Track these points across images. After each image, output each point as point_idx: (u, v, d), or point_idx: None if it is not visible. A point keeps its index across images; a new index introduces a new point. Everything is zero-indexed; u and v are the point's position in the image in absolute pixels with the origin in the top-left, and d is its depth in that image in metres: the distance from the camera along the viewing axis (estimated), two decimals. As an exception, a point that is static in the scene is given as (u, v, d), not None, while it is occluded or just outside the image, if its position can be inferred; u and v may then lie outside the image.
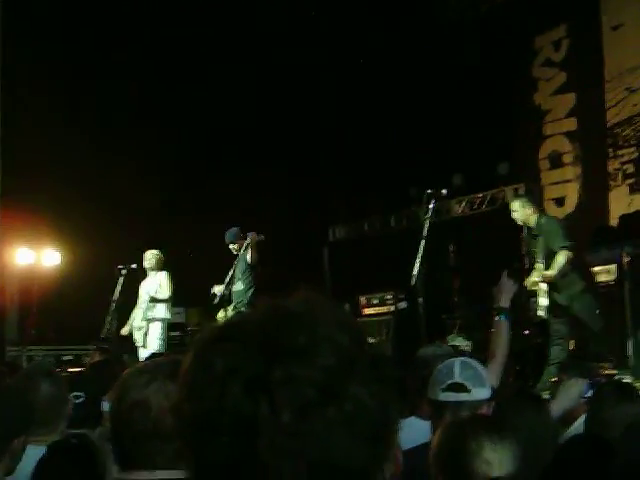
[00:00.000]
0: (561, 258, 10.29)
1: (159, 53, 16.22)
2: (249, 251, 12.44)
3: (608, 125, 15.15)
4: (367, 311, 14.99)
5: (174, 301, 13.20)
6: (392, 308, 14.55)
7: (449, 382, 3.83)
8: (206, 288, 12.84)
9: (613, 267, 11.24)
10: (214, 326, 1.37)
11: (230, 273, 12.30)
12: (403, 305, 14.21)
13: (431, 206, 9.96)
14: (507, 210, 11.15)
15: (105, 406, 5.00)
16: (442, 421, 3.68)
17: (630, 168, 14.80)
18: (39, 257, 16.02)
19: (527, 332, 11.52)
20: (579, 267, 10.70)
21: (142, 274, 13.35)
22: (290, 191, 16.71)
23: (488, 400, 3.86)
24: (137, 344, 12.95)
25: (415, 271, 9.47)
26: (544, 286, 10.34)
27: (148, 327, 12.88)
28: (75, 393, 5.08)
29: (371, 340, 13.35)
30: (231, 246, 12.63)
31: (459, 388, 3.81)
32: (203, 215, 15.74)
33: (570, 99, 15.95)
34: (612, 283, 11.24)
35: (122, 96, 16.00)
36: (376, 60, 16.74)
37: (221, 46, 16.48)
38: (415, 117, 16.31)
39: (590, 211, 15.10)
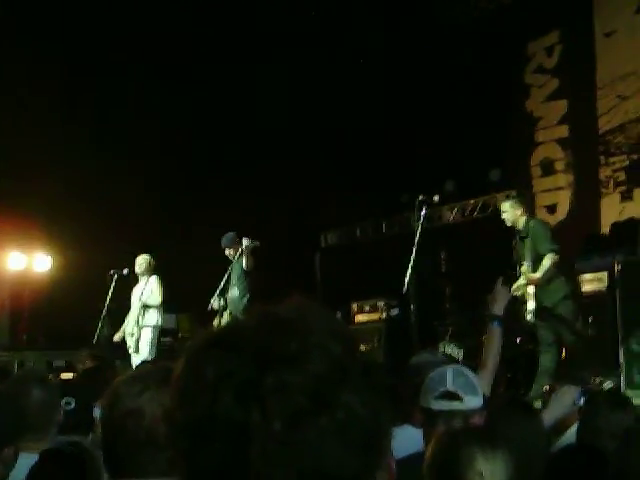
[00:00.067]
0: (547, 261, 10.36)
1: (153, 59, 16.19)
2: (244, 257, 12.41)
3: (600, 132, 15.17)
4: (359, 318, 14.96)
5: (165, 307, 13.20)
6: (384, 315, 14.52)
7: (442, 390, 3.82)
8: (197, 294, 12.82)
9: (604, 275, 11.24)
10: (206, 333, 1.37)
11: (225, 279, 12.26)
12: (395, 312, 14.21)
13: (423, 212, 9.97)
14: (499, 217, 11.17)
15: (97, 413, 4.99)
16: (435, 429, 3.69)
17: (622, 176, 14.81)
18: (30, 262, 15.99)
19: (519, 339, 11.52)
20: (565, 273, 10.75)
21: (134, 279, 13.35)
22: (282, 196, 16.69)
23: (481, 409, 3.86)
24: (130, 350, 12.94)
25: (407, 278, 9.48)
26: (531, 290, 10.38)
27: (140, 333, 12.87)
28: (66, 399, 5.05)
29: (363, 347, 13.34)
30: (227, 251, 12.60)
31: (452, 396, 3.80)
32: (195, 220, 15.72)
33: (562, 106, 15.96)
34: (603, 291, 11.24)
35: (115, 101, 15.98)
36: (366, 67, 16.74)
37: (217, 47, 16.45)
38: (407, 123, 16.31)
39: (582, 218, 15.11)
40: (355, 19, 16.43)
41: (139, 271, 13.16)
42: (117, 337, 13.10)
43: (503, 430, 3.78)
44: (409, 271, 9.45)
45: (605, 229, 14.24)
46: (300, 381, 1.24)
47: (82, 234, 15.35)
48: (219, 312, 12.28)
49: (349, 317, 14.86)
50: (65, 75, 15.53)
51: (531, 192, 15.80)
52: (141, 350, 12.74)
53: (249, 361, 1.25)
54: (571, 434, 4.73)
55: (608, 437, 4.01)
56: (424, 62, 16.17)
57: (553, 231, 11.27)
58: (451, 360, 6.27)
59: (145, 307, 12.91)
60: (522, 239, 10.66)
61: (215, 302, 12.35)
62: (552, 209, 15.67)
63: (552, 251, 10.41)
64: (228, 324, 1.44)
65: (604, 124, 15.13)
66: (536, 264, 10.46)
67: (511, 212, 10.80)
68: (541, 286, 10.42)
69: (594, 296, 11.30)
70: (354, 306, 15.10)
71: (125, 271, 13.22)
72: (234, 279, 12.54)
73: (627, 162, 14.75)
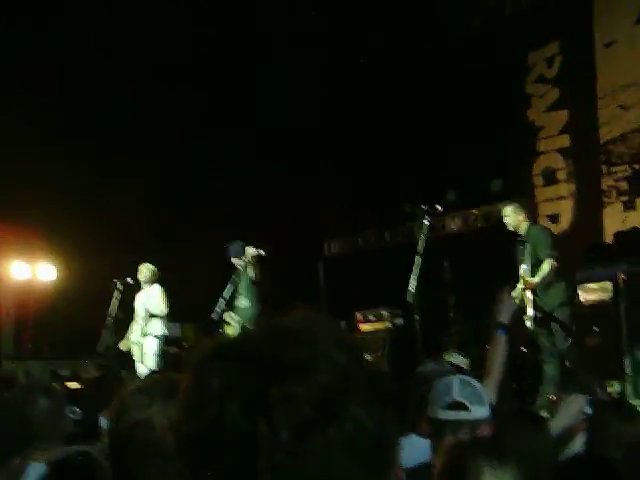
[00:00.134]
0: (546, 266, 10.41)
1: (153, 67, 16.22)
2: (251, 267, 12.37)
3: (601, 142, 15.18)
4: (363, 327, 14.92)
5: (169, 316, 13.19)
6: (388, 324, 14.50)
7: (448, 400, 3.82)
8: (201, 303, 12.80)
9: (609, 284, 11.24)
10: (211, 344, 1.37)
11: (228, 288, 12.20)
12: (399, 321, 14.19)
13: (426, 222, 9.97)
14: (502, 226, 11.18)
15: (103, 422, 4.98)
16: (442, 439, 3.69)
17: (624, 185, 14.82)
18: (35, 271, 16.00)
19: (524, 349, 11.50)
20: (565, 281, 10.75)
21: (137, 288, 13.36)
22: (285, 206, 16.69)
23: (488, 419, 3.86)
24: (135, 359, 12.94)
25: (411, 287, 9.48)
26: (530, 296, 10.39)
27: (145, 342, 12.87)
28: (71, 408, 5.05)
29: (368, 356, 13.31)
30: (233, 260, 12.52)
31: (459, 406, 3.80)
32: (199, 230, 15.72)
33: (563, 116, 15.98)
34: (608, 300, 11.22)
35: (117, 110, 16.01)
36: (369, 77, 16.75)
37: (216, 54, 16.46)
38: (409, 133, 16.32)
39: (584, 228, 15.12)
40: (356, 35, 16.48)
41: (142, 279, 13.17)
42: (122, 346, 13.10)
43: (510, 441, 3.77)
44: (413, 280, 9.45)
45: (608, 239, 14.23)
46: (307, 392, 1.24)
47: (85, 244, 15.38)
48: (223, 321, 12.24)
49: (353, 326, 14.83)
50: (65, 86, 15.54)
51: (533, 202, 15.80)
52: (146, 359, 12.73)
53: (255, 372, 1.26)
54: (578, 443, 4.72)
55: (616, 447, 4.00)
56: (426, 72, 16.19)
57: (555, 238, 11.30)
58: (457, 370, 6.25)
59: (150, 316, 12.91)
60: (523, 244, 10.69)
61: (219, 311, 12.30)
62: (554, 219, 15.66)
63: (551, 257, 10.46)
64: (233, 335, 1.44)
65: (605, 134, 15.14)
66: (535, 269, 10.49)
67: (513, 217, 10.85)
68: (539, 292, 10.45)
69: (598, 306, 11.29)
70: (358, 315, 15.07)
71: (129, 280, 13.23)
72: (242, 289, 12.48)
73: (629, 172, 14.76)
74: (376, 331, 14.61)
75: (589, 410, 4.75)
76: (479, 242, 15.23)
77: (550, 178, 15.99)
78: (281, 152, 16.77)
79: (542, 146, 16.29)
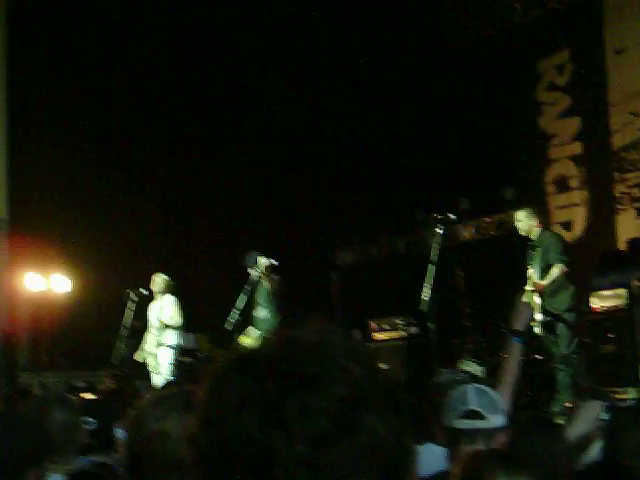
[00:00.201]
0: (555, 270, 10.40)
1: (168, 82, 16.27)
2: (267, 280, 12.37)
3: (613, 149, 15.16)
4: (378, 336, 14.89)
5: (184, 326, 13.21)
6: (403, 333, 14.47)
7: (464, 409, 3.81)
8: (215, 313, 12.80)
9: (623, 291, 11.21)
10: (228, 357, 1.38)
11: (241, 298, 12.19)
12: (414, 330, 14.16)
13: (439, 231, 9.97)
14: (515, 234, 11.18)
15: (118, 433, 4.99)
16: (458, 448, 3.68)
17: (637, 192, 14.80)
18: (49, 283, 16.04)
19: (539, 357, 11.49)
20: (573, 287, 10.72)
21: (151, 298, 13.38)
22: (298, 215, 16.71)
23: (504, 427, 3.85)
24: (150, 370, 12.95)
25: (425, 296, 9.48)
26: (538, 300, 10.38)
27: (160, 353, 12.88)
28: (86, 419, 5.06)
29: (383, 366, 13.28)
30: (249, 271, 12.50)
31: (475, 415, 3.79)
32: (212, 240, 15.75)
33: (575, 123, 15.97)
34: (622, 307, 11.20)
35: (132, 123, 16.05)
36: (380, 86, 16.76)
37: (226, 60, 16.50)
38: (422, 141, 16.34)
39: (598, 235, 15.09)
40: (367, 41, 16.50)
41: (156, 290, 13.19)
42: (137, 357, 13.12)
43: (527, 448, 3.77)
44: (427, 289, 9.45)
45: (621, 245, 14.21)
46: (323, 404, 1.24)
47: (100, 255, 15.42)
48: (238, 331, 12.23)
49: (368, 336, 14.81)
50: (80, 96, 15.60)
51: (546, 209, 15.78)
52: (162, 370, 12.75)
53: (272, 385, 1.26)
54: (595, 451, 4.70)
55: (634, 455, 3.98)
56: (438, 81, 16.20)
57: (567, 245, 11.30)
58: (472, 378, 6.24)
59: (164, 327, 12.93)
60: (534, 248, 10.68)
61: (232, 321, 12.30)
62: (567, 226, 15.64)
63: (562, 261, 10.46)
64: (249, 348, 1.44)
65: (617, 141, 15.12)
66: (544, 273, 10.49)
67: (526, 222, 10.86)
68: (547, 297, 10.44)
69: (613, 312, 11.27)
70: (372, 325, 15.04)
71: (143, 290, 13.25)
72: (261, 300, 12.48)
73: (642, 178, 14.77)
74: (391, 340, 14.59)
75: (606, 416, 4.73)
76: (492, 250, 15.21)
77: (563, 185, 15.98)
78: (295, 162, 16.78)
79: (554, 154, 16.27)
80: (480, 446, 3.64)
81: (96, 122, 15.81)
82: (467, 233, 16.79)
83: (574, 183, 15.85)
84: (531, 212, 10.98)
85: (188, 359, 14.13)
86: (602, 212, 15.28)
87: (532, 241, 10.79)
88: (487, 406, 3.82)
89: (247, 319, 12.42)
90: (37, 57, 15.14)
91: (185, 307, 13.16)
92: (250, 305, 12.39)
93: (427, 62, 16.58)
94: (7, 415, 4.48)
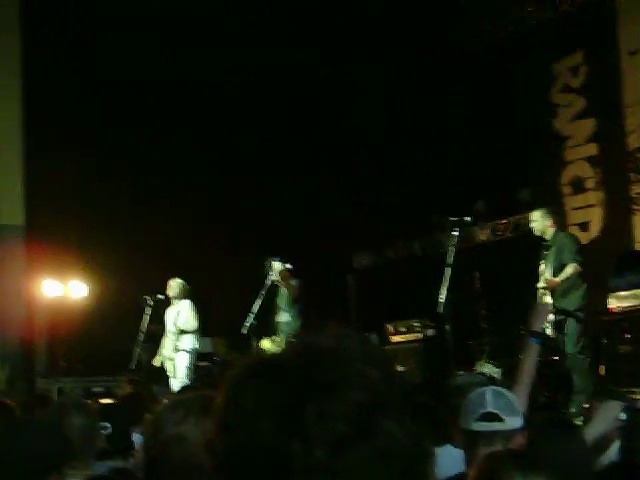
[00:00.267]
0: (569, 269, 10.41)
1: (183, 90, 16.30)
2: (285, 285, 12.39)
3: (629, 150, 15.12)
4: (395, 338, 14.89)
5: (201, 330, 13.23)
6: (419, 335, 14.47)
7: (482, 412, 3.80)
8: (232, 318, 12.83)
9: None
10: (245, 362, 1.39)
11: (257, 302, 12.20)
12: (431, 332, 14.15)
13: (456, 233, 9.98)
14: (532, 236, 11.16)
15: (135, 438, 5.01)
16: (476, 451, 3.68)
17: (653, 193, 14.78)
18: (67, 289, 16.09)
19: (556, 358, 11.46)
20: (585, 288, 10.70)
21: (168, 303, 13.41)
22: (313, 218, 16.71)
23: (521, 429, 3.85)
24: (168, 374, 12.98)
25: (442, 298, 9.48)
26: (549, 300, 10.36)
27: (177, 357, 12.92)
28: (103, 424, 5.08)
29: (400, 368, 13.28)
30: (268, 276, 12.52)
31: (492, 418, 3.78)
32: (229, 245, 15.77)
33: (590, 124, 15.92)
34: (639, 308, 11.17)
35: (149, 129, 16.09)
36: (396, 90, 16.74)
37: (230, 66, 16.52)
38: (437, 144, 16.34)
39: (614, 236, 15.04)
40: (383, 47, 16.50)
41: (172, 294, 13.22)
42: (156, 361, 13.16)
43: (544, 450, 3.76)
44: (443, 291, 9.45)
45: (638, 246, 14.18)
46: (340, 409, 1.24)
47: (117, 261, 15.45)
48: (254, 336, 12.24)
49: (384, 338, 14.81)
50: (97, 106, 15.65)
51: (562, 210, 15.75)
52: (179, 374, 12.78)
53: (289, 390, 1.27)
54: (613, 451, 4.69)
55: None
56: (452, 84, 16.18)
57: (582, 245, 11.28)
58: (489, 380, 6.24)
59: (182, 332, 12.96)
60: (548, 248, 10.67)
61: (248, 325, 12.32)
62: (584, 227, 15.59)
63: (576, 261, 10.42)
64: (267, 354, 1.45)
65: (633, 142, 15.07)
66: (558, 273, 10.47)
67: (541, 222, 10.85)
68: (558, 296, 10.42)
69: (630, 313, 11.24)
70: (389, 327, 15.04)
71: (160, 296, 13.29)
72: (282, 304, 12.53)
73: (657, 179, 14.72)
74: (408, 342, 14.58)
75: (624, 417, 4.72)
76: (508, 252, 15.19)
77: (579, 187, 15.94)
78: (312, 166, 16.80)
79: (569, 155, 16.23)
80: (498, 448, 3.64)
81: (112, 128, 15.83)
82: (483, 235, 16.76)
83: (590, 184, 15.81)
84: (546, 212, 10.98)
85: (205, 363, 14.17)
86: (618, 213, 15.23)
87: (546, 241, 10.78)
88: (504, 408, 3.82)
89: (263, 323, 12.43)
90: (53, 63, 15.17)
91: (202, 311, 13.19)
92: (266, 309, 12.41)
93: (443, 66, 16.54)
94: (26, 421, 4.51)
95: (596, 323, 11.51)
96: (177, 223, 15.67)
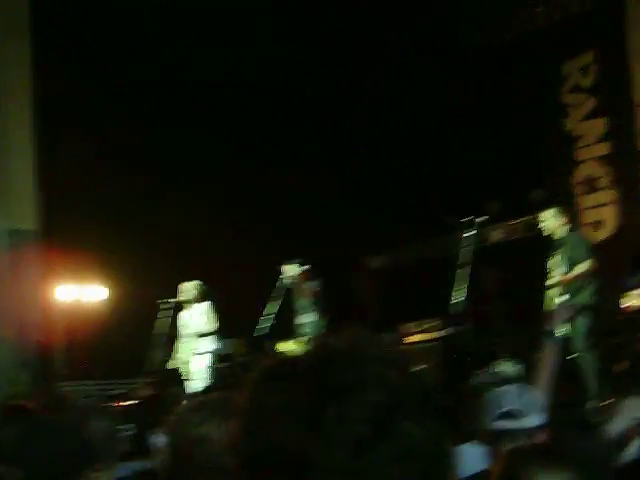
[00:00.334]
0: (582, 266, 10.35)
1: (201, 95, 16.32)
2: (304, 287, 12.42)
3: (640, 149, 15.16)
4: (412, 338, 14.87)
5: (220, 332, 13.24)
6: (438, 335, 14.45)
7: (503, 410, 3.80)
8: (250, 319, 12.84)
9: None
10: (267, 364, 1.40)
11: (275, 303, 12.19)
12: (449, 332, 14.14)
13: (469, 234, 9.99)
14: (546, 236, 11.16)
15: (155, 440, 5.01)
16: (498, 449, 3.67)
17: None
18: (85, 293, 16.15)
19: (573, 356, 11.44)
20: (595, 287, 10.68)
21: (179, 307, 13.42)
22: (331, 221, 16.73)
23: (543, 426, 3.84)
24: (184, 377, 12.98)
25: (458, 297, 9.49)
26: (560, 297, 10.34)
27: (197, 360, 12.92)
28: (121, 426, 5.09)
29: (418, 368, 13.23)
30: (283, 278, 12.53)
31: (513, 416, 3.78)
32: (246, 247, 15.80)
33: (601, 124, 15.97)
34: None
35: (165, 132, 16.12)
36: (409, 92, 16.75)
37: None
38: (449, 145, 16.36)
39: (627, 234, 15.05)
40: (395, 50, 16.51)
41: (189, 297, 13.22)
42: (172, 364, 13.17)
43: (565, 447, 3.75)
44: (460, 291, 9.46)
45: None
46: (360, 411, 1.25)
47: (136, 265, 15.50)
48: (273, 337, 12.25)
49: (401, 338, 14.79)
50: (112, 108, 15.68)
51: (575, 210, 15.75)
52: (199, 377, 12.78)
53: (310, 392, 1.28)
54: (634, 448, 4.68)
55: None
56: (464, 85, 16.20)
57: (592, 245, 11.28)
58: (509, 379, 6.22)
59: (201, 335, 12.97)
60: (559, 247, 10.66)
61: (267, 326, 12.34)
62: (597, 226, 15.62)
63: (589, 259, 10.41)
64: (287, 356, 1.46)
65: (644, 140, 15.11)
66: (569, 270, 10.46)
67: (552, 221, 10.81)
68: (568, 296, 10.39)
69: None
70: (407, 327, 15.03)
71: (172, 300, 13.31)
72: (300, 306, 12.53)
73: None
74: (426, 342, 14.55)
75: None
76: (522, 252, 15.18)
77: (591, 186, 15.96)
78: (326, 168, 16.81)
79: (581, 155, 16.28)
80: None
81: (128, 131, 15.85)
82: (497, 235, 16.76)
83: (602, 183, 15.85)
84: (559, 211, 10.96)
85: (225, 364, 14.18)
86: (631, 211, 15.25)
87: (556, 241, 10.77)
88: (525, 406, 3.81)
89: (281, 325, 12.44)
90: (66, 64, 15.21)
91: (221, 312, 13.19)
92: (285, 312, 12.42)
93: (456, 67, 16.56)
94: (48, 425, 4.52)
95: (611, 322, 11.50)
96: (195, 226, 15.71)
